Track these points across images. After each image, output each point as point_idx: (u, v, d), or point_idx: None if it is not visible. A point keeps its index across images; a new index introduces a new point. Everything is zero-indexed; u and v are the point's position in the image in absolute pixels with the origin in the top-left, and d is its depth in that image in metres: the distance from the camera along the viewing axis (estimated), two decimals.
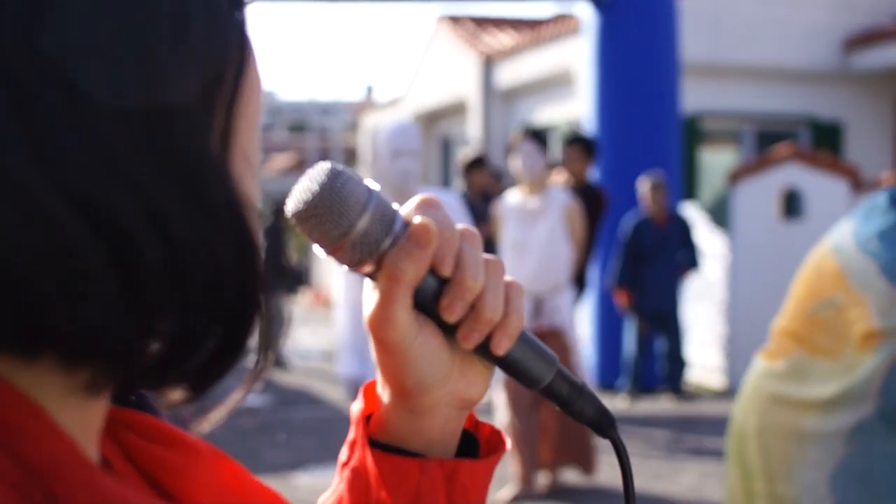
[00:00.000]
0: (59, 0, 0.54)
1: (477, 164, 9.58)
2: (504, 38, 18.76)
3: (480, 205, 8.90)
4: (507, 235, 6.86)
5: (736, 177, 11.26)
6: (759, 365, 3.29)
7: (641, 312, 10.09)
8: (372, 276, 0.75)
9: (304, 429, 9.16)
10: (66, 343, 0.53)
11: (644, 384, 10.42)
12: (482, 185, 9.52)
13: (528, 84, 17.02)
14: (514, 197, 6.97)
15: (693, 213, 11.43)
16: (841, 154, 14.26)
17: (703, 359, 11.44)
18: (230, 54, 0.60)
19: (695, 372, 11.31)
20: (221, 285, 0.58)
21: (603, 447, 7.04)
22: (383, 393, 0.80)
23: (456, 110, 19.76)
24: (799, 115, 14.82)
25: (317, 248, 0.75)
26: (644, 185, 10.03)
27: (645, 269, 9.94)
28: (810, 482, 3.06)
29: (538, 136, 6.78)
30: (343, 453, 0.82)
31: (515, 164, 6.82)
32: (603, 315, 11.04)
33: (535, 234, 6.78)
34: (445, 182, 20.66)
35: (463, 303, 0.74)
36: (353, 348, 4.89)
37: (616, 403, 9.90)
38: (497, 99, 17.97)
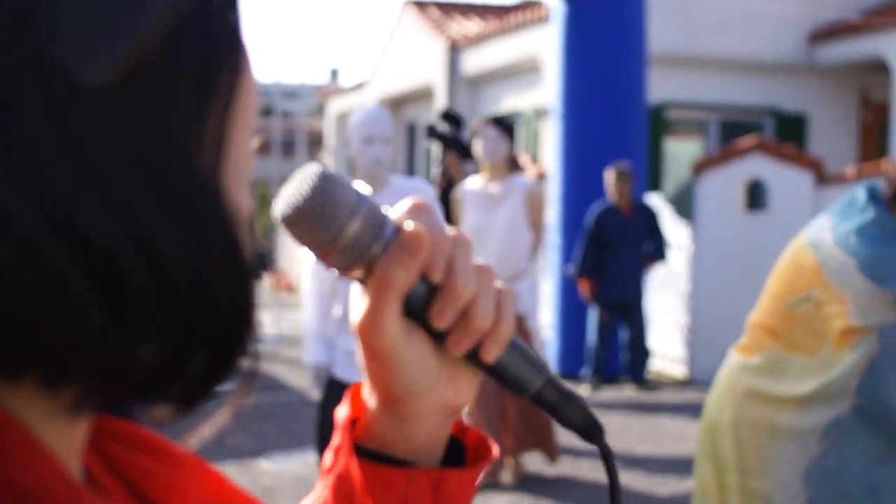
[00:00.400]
0: (52, 3, 0.51)
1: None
2: (470, 25, 18.75)
3: None
4: (468, 220, 6.83)
5: (700, 168, 11.31)
6: (734, 359, 3.26)
7: (604, 302, 10.11)
8: (362, 281, 0.74)
9: (267, 415, 9.13)
10: (48, 364, 0.51)
11: (606, 373, 10.46)
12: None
13: (494, 71, 17.03)
14: (475, 182, 6.96)
15: (657, 204, 11.47)
16: (805, 146, 14.37)
17: (666, 349, 11.50)
18: (224, 60, 0.57)
19: (656, 361, 11.38)
20: (211, 306, 0.55)
21: (562, 435, 7.06)
22: (370, 398, 0.79)
23: (422, 96, 19.74)
24: (764, 106, 14.92)
25: (306, 252, 0.74)
26: (610, 175, 10.05)
27: (609, 258, 9.96)
28: (784, 478, 3.05)
29: (502, 123, 6.78)
30: (327, 458, 0.81)
31: (477, 149, 6.83)
32: (566, 304, 11.07)
33: (495, 220, 6.77)
34: (411, 169, 20.64)
35: (454, 310, 0.74)
36: (319, 336, 4.87)
37: (578, 392, 9.93)
38: (463, 85, 17.97)
